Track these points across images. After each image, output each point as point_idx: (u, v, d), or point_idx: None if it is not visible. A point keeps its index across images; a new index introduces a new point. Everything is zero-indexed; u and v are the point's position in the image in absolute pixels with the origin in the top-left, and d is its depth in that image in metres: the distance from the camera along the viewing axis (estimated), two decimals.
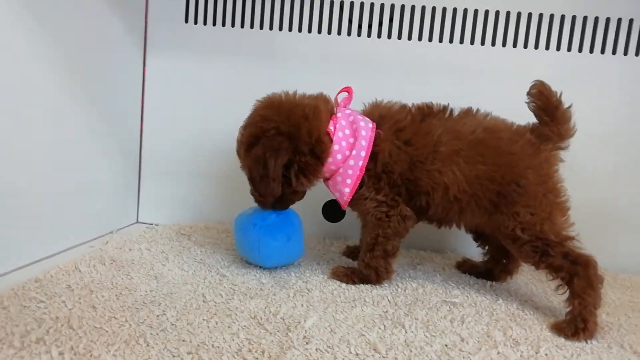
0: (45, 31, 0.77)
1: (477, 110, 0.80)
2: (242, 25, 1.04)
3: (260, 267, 0.84)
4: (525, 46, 0.97)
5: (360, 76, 1.00)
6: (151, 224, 1.07)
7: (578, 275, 0.70)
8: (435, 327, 0.65)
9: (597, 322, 0.68)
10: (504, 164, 0.74)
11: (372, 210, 0.78)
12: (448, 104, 0.80)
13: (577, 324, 0.67)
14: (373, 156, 0.76)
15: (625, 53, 0.95)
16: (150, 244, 0.91)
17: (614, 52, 0.96)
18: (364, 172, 0.76)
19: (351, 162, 0.76)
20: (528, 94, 0.77)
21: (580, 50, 0.96)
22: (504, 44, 0.98)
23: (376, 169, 0.77)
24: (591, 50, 0.96)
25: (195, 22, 1.05)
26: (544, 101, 0.75)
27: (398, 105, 0.81)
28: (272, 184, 0.75)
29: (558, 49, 0.97)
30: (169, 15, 1.05)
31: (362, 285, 0.80)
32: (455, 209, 0.77)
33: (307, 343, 0.59)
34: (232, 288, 0.74)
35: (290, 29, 1.03)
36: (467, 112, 0.79)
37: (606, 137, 0.97)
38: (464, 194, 0.75)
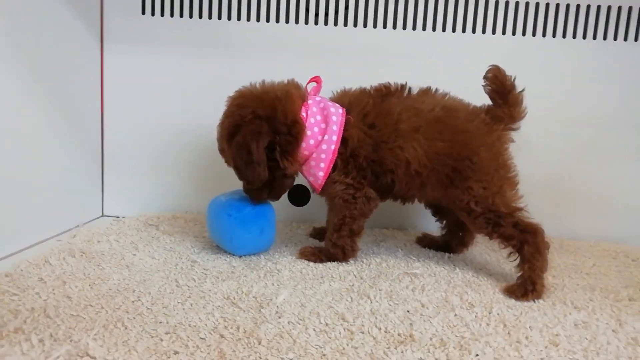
0: (1, 30, 0.76)
1: (436, 89, 0.84)
2: (200, 16, 1.05)
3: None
4: (474, 31, 1.03)
5: (318, 64, 1.03)
6: (117, 217, 1.07)
7: (527, 242, 0.76)
8: (398, 296, 0.70)
9: (544, 284, 0.75)
10: (460, 141, 0.79)
11: (340, 193, 0.82)
12: (406, 82, 0.84)
13: (526, 286, 0.74)
14: (344, 141, 0.80)
15: (574, 36, 1.03)
16: (118, 235, 0.92)
17: (564, 36, 1.03)
18: (336, 156, 0.80)
19: (324, 147, 0.79)
20: (484, 77, 0.82)
21: (533, 34, 1.03)
22: (453, 29, 1.03)
23: (346, 154, 0.80)
24: (544, 34, 1.03)
25: (153, 14, 1.05)
26: (499, 85, 0.81)
27: (359, 90, 0.85)
28: (258, 168, 0.77)
29: (513, 33, 1.03)
30: (125, 7, 1.04)
31: (329, 263, 0.84)
32: (416, 183, 0.81)
33: (279, 317, 0.62)
34: (204, 272, 0.77)
35: (248, 19, 1.04)
36: (426, 91, 0.84)
37: (556, 118, 1.05)
38: (424, 168, 0.79)
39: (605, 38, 1.03)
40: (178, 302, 0.65)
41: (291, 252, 0.88)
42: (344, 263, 0.84)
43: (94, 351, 0.51)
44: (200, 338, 0.56)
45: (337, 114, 0.80)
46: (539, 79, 1.01)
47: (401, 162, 0.79)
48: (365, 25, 1.04)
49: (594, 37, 1.03)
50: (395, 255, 0.89)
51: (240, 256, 0.85)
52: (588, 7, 1.02)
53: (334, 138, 0.79)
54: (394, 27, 1.04)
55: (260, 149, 0.76)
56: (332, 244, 0.85)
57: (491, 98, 0.83)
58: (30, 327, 0.56)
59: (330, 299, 0.69)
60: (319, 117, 0.80)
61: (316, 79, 0.84)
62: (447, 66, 1.02)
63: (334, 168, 0.81)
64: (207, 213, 0.86)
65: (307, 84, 0.84)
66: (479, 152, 0.79)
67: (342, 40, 1.04)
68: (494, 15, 1.03)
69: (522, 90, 0.82)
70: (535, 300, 0.72)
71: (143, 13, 1.05)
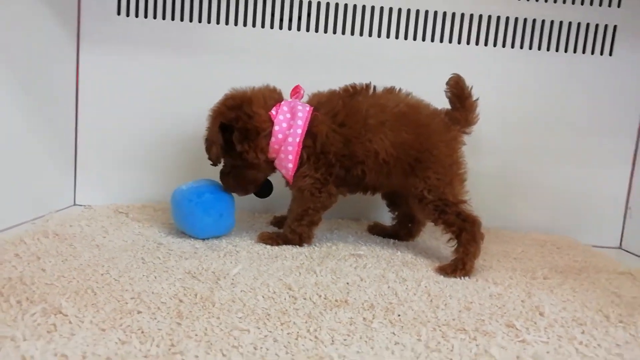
0: None
1: (400, 89, 0.95)
2: (173, 18, 1.12)
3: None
4: (433, 40, 1.14)
5: (287, 67, 1.13)
6: (89, 206, 1.14)
7: (466, 230, 0.86)
8: (341, 272, 0.80)
9: (474, 266, 0.86)
10: (423, 134, 0.90)
11: (309, 186, 0.91)
12: (370, 82, 0.94)
13: (457, 265, 0.84)
14: (313, 137, 0.89)
15: (518, 47, 1.15)
16: (89, 220, 0.99)
17: (512, 47, 1.16)
18: (301, 147, 0.89)
19: (290, 140, 0.89)
20: (447, 83, 0.93)
21: (485, 44, 1.15)
22: (415, 38, 1.14)
23: (315, 149, 0.90)
24: (495, 44, 1.15)
25: (127, 15, 1.12)
26: (459, 90, 0.92)
27: (329, 92, 0.95)
28: (212, 146, 0.89)
29: (468, 43, 1.15)
30: (101, 7, 1.11)
31: (284, 246, 0.93)
32: (384, 171, 0.91)
33: (233, 287, 0.71)
34: (169, 252, 0.85)
35: (227, 22, 1.13)
36: (390, 90, 0.94)
37: (506, 121, 1.18)
38: (391, 157, 0.89)
39: (548, 49, 1.16)
40: (143, 275, 0.73)
41: (251, 237, 0.97)
42: (297, 246, 0.93)
43: (67, 310, 0.59)
44: (162, 302, 0.64)
45: (303, 110, 0.90)
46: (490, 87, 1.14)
47: (370, 153, 0.89)
48: (325, 31, 1.14)
49: (539, 49, 1.15)
50: (346, 241, 0.99)
51: (202, 239, 0.93)
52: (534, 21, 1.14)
53: (299, 131, 0.88)
54: (378, 35, 1.14)
55: (213, 128, 0.88)
56: (290, 231, 0.94)
57: (451, 102, 0.94)
58: (9, 292, 0.63)
59: (281, 273, 0.77)
60: (288, 115, 0.90)
61: (297, 88, 0.94)
62: (406, 71, 1.13)
63: (303, 162, 0.90)
64: (170, 201, 0.94)
65: (291, 93, 0.94)
66: (439, 146, 0.90)
67: (308, 45, 1.14)
68: (451, 27, 1.14)
69: (477, 99, 0.93)
70: (462, 278, 0.82)
71: (118, 14, 1.12)
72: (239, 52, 1.13)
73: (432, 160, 0.89)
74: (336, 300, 0.68)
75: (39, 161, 1.03)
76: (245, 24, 1.13)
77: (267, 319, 0.61)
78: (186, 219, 0.92)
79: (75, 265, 0.75)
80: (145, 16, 1.12)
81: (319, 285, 0.73)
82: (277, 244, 0.93)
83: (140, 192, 1.18)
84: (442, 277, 0.82)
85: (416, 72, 1.13)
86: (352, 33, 1.14)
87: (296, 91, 0.94)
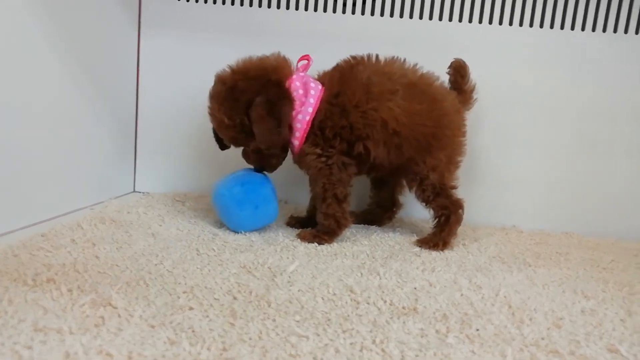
0: (45, 11, 0.81)
1: (404, 59, 0.88)
2: (233, 3, 1.09)
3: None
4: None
5: (358, 50, 1.04)
6: (147, 193, 1.13)
7: (454, 213, 0.89)
8: (407, 275, 0.72)
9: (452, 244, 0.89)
10: (438, 109, 0.87)
11: (312, 162, 0.85)
12: (368, 53, 0.88)
13: (438, 242, 0.87)
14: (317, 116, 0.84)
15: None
16: (146, 208, 0.97)
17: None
18: (310, 126, 0.84)
19: (300, 117, 0.84)
20: (450, 66, 0.94)
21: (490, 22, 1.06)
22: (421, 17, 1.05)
23: (314, 128, 0.85)
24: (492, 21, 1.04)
25: (188, 0, 1.09)
26: (461, 73, 0.93)
27: (332, 68, 0.89)
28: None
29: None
30: None
31: (342, 242, 0.86)
32: (395, 143, 0.85)
33: (290, 285, 0.65)
34: (224, 244, 0.81)
35: (287, 7, 1.08)
36: (394, 60, 0.88)
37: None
38: (403, 127, 0.84)
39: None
40: (197, 268, 0.69)
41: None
42: (357, 243, 0.86)
43: (117, 302, 0.55)
44: (215, 298, 0.60)
45: (315, 89, 0.85)
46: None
47: (376, 123, 0.83)
48: (382, 14, 1.06)
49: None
50: (410, 240, 0.91)
51: (245, 232, 0.88)
52: None
53: (309, 110, 0.84)
54: (410, 17, 1.06)
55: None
56: (323, 215, 0.87)
57: (452, 85, 0.94)
58: (61, 279, 0.60)
59: (340, 273, 0.71)
60: (300, 91, 0.84)
61: (306, 57, 0.87)
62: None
63: (307, 139, 0.85)
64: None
65: (298, 61, 0.88)
66: (452, 127, 0.89)
67: (369, 29, 1.06)
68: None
69: (475, 84, 0.94)
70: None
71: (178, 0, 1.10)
72: (300, 37, 1.08)
73: (446, 140, 0.88)
74: (403, 308, 0.61)
75: (100, 148, 1.03)
76: (306, 9, 1.07)
77: (328, 325, 0.55)
78: (222, 213, 0.89)
79: (129, 254, 0.72)
80: (205, 1, 1.09)
81: (383, 289, 0.66)
82: (320, 238, 0.85)
83: (199, 181, 1.16)
84: (522, 286, 0.73)
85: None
86: (421, 17, 1.05)
87: (306, 62, 0.87)
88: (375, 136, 0.84)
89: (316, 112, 0.84)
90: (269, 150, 0.86)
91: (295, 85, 0.84)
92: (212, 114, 0.87)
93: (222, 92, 0.85)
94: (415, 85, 0.86)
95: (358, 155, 0.86)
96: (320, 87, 0.85)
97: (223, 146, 0.94)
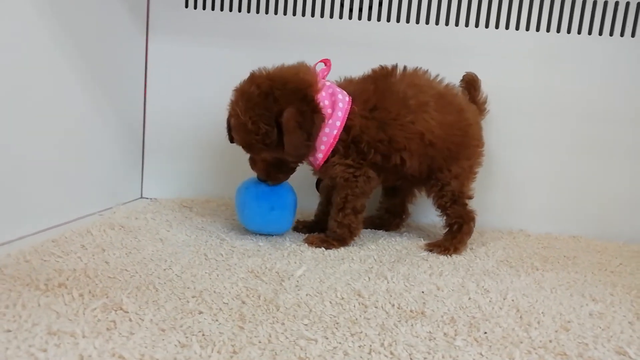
0: (54, 17, 0.82)
1: (426, 70, 0.90)
2: (240, 10, 1.10)
3: (257, 233, 0.90)
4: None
5: (364, 56, 1.02)
6: (154, 199, 1.13)
7: (467, 223, 0.90)
8: (414, 279, 0.72)
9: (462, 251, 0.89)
10: (465, 119, 0.89)
11: (340, 173, 0.85)
12: (396, 64, 0.88)
13: (448, 248, 0.87)
14: (347, 129, 0.83)
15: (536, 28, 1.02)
16: (154, 214, 0.98)
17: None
18: (337, 140, 0.83)
19: (326, 130, 0.82)
20: (462, 80, 0.98)
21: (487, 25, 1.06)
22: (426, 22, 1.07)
23: (347, 140, 0.84)
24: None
25: (195, 7, 1.11)
26: (474, 86, 0.97)
27: (362, 77, 0.89)
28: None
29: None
30: (170, 0, 1.11)
31: (349, 247, 0.86)
32: (429, 154, 0.86)
33: (298, 290, 0.66)
34: (232, 249, 0.81)
35: (294, 13, 1.09)
36: (419, 70, 0.89)
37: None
38: (438, 139, 0.85)
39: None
40: (205, 273, 0.70)
41: None
42: (364, 247, 0.87)
43: (127, 306, 0.56)
44: (224, 302, 0.60)
45: (343, 101, 0.83)
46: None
47: (414, 135, 0.84)
48: (389, 20, 1.06)
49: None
50: (417, 243, 0.92)
51: (265, 235, 0.89)
52: None
53: (337, 124, 0.82)
54: (427, 22, 1.06)
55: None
56: (337, 224, 0.87)
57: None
58: (72, 284, 0.61)
59: (348, 277, 0.72)
60: (327, 102, 0.82)
61: (325, 61, 0.86)
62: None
63: (335, 153, 0.84)
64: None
65: (315, 65, 0.86)
66: (476, 137, 0.92)
67: (375, 34, 1.07)
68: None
69: (486, 95, 0.99)
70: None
71: (186, 6, 1.11)
72: (308, 43, 1.09)
73: (471, 150, 0.91)
74: (411, 311, 0.61)
75: (108, 154, 1.04)
76: (312, 15, 1.08)
77: (336, 328, 0.55)
78: (238, 206, 0.89)
79: (138, 259, 0.73)
80: (213, 8, 1.10)
81: (391, 293, 0.66)
82: (330, 244, 0.86)
83: (205, 186, 1.17)
84: (530, 289, 0.73)
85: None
86: (427, 22, 1.06)
87: (324, 66, 0.85)
88: (412, 148, 0.84)
89: (351, 127, 0.83)
90: (295, 162, 0.86)
91: (321, 95, 0.82)
92: (236, 113, 0.81)
93: (255, 96, 0.79)
94: (444, 96, 0.87)
95: (393, 166, 0.86)
96: (347, 98, 0.83)
97: (232, 138, 0.90)
